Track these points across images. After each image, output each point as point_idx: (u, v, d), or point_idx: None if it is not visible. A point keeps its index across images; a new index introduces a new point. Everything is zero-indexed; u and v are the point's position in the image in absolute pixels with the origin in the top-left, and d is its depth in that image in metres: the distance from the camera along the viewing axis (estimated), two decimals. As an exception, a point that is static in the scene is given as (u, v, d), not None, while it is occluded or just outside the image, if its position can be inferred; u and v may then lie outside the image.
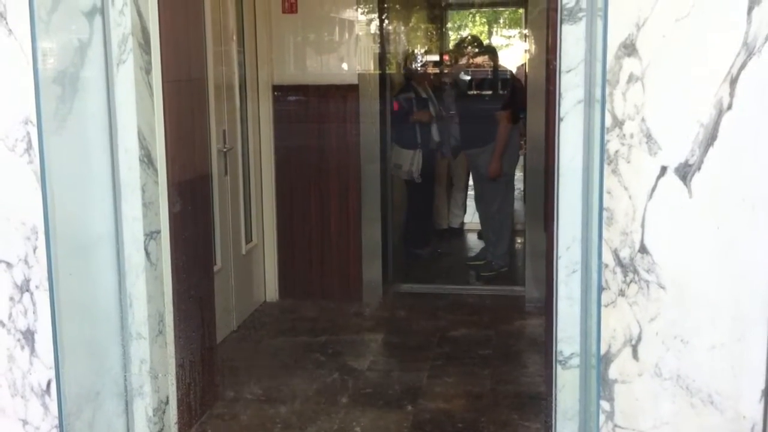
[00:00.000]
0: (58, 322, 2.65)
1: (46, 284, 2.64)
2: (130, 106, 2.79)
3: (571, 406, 2.49)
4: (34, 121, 2.56)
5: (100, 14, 2.72)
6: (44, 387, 2.70)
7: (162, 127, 2.94)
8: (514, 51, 8.64)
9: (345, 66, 5.06)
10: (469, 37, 7.90)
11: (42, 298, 2.65)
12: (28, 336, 2.69)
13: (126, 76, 2.77)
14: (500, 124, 5.52)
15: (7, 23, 2.54)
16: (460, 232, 7.04)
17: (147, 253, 2.89)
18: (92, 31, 2.72)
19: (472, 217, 6.96)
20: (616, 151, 2.24)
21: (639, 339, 2.30)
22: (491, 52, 6.52)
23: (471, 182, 6.49)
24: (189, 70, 3.28)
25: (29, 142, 2.58)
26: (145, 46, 2.83)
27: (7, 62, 2.56)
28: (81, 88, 2.71)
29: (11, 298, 2.68)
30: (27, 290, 2.66)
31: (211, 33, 4.20)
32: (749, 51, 2.11)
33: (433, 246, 6.41)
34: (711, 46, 2.13)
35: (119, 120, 2.80)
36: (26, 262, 2.65)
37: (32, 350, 2.69)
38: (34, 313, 2.67)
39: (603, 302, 2.32)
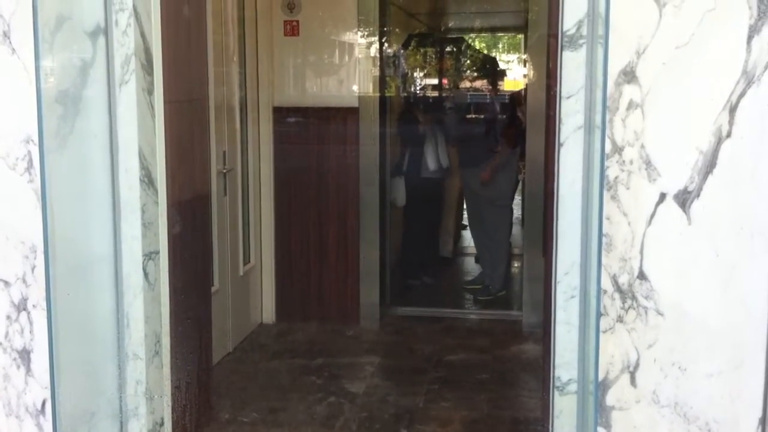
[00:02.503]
0: (55, 341, 2.63)
1: (43, 303, 2.63)
2: (132, 126, 2.79)
3: (568, 432, 2.48)
4: (36, 140, 2.57)
5: (103, 35, 2.74)
6: (39, 407, 2.69)
7: (163, 147, 2.94)
8: (513, 76, 8.68)
9: (345, 88, 5.08)
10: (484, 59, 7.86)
11: (39, 317, 2.64)
12: (24, 355, 2.68)
13: (128, 96, 2.78)
14: (504, 140, 5.56)
15: (10, 42, 2.56)
16: (452, 259, 6.99)
17: (145, 274, 2.88)
18: (95, 51, 2.73)
19: (470, 242, 6.94)
20: (616, 177, 2.25)
21: (637, 365, 2.29)
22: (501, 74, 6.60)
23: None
24: (190, 90, 3.29)
25: (30, 161, 2.59)
26: (147, 66, 2.84)
27: (10, 81, 2.57)
28: (83, 107, 2.71)
29: (8, 317, 2.67)
30: (24, 309, 2.65)
31: (213, 54, 4.22)
32: (749, 79, 2.12)
33: (432, 272, 6.37)
34: (711, 74, 2.15)
35: (120, 140, 2.80)
36: (24, 281, 2.64)
37: (28, 370, 2.68)
38: (30, 332, 2.66)
39: (601, 328, 2.31)
